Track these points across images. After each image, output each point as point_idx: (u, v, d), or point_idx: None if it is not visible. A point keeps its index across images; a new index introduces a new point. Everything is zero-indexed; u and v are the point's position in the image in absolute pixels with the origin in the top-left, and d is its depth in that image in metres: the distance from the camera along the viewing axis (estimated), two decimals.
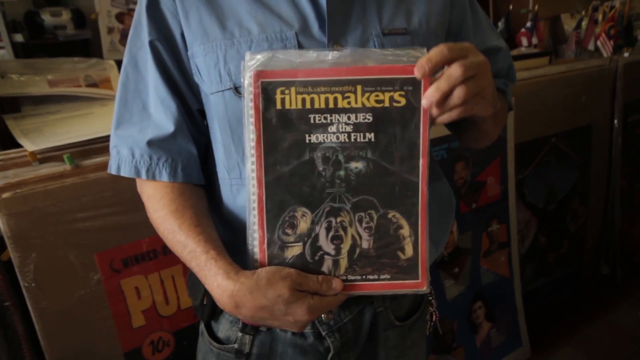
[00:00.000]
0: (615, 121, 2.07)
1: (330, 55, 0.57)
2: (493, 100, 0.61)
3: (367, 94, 0.57)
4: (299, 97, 0.58)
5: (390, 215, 0.62)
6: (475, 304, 1.72)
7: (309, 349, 0.76)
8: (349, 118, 0.59)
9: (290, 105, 0.58)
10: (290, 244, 0.62)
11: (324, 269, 0.63)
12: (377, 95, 0.57)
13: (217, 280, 0.65)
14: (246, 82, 0.57)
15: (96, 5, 2.02)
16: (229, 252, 0.69)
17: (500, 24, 2.13)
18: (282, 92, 0.58)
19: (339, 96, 0.58)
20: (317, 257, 0.63)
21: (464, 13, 0.80)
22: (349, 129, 0.59)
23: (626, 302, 2.04)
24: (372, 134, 0.59)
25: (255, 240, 0.63)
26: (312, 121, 0.59)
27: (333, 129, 0.59)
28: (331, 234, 0.62)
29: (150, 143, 0.70)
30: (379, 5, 0.71)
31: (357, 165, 0.60)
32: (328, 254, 0.62)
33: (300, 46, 0.68)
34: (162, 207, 0.72)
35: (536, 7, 2.00)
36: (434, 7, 0.74)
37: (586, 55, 2.12)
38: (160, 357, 1.16)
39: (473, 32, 0.81)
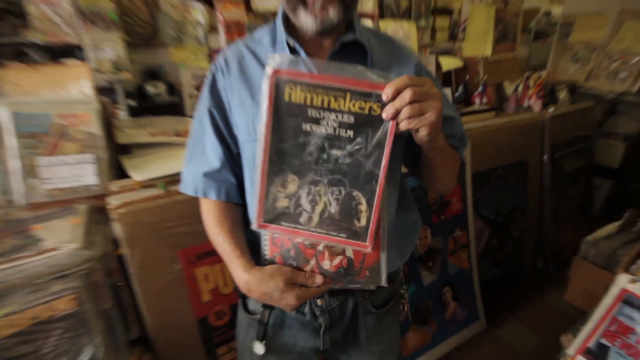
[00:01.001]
0: (545, 157, 2.03)
1: (333, 67, 0.54)
2: (437, 127, 0.55)
3: (353, 101, 0.54)
4: (302, 94, 0.55)
5: (354, 194, 0.60)
6: (444, 289, 1.68)
7: (307, 324, 0.76)
8: (336, 116, 0.56)
9: (295, 99, 0.55)
10: (280, 198, 0.60)
11: (301, 220, 0.61)
12: (360, 103, 0.54)
13: (238, 271, 0.67)
14: (266, 75, 0.54)
15: (182, 80, 2.09)
16: (250, 250, 0.70)
17: (460, 89, 2.13)
18: (290, 88, 0.55)
19: (332, 99, 0.55)
20: (297, 211, 0.61)
21: None
22: (335, 125, 0.56)
23: (556, 288, 1.97)
24: (352, 132, 0.56)
25: (256, 196, 0.60)
26: (309, 114, 0.56)
27: (324, 122, 0.56)
28: (310, 197, 0.60)
29: (205, 174, 0.72)
30: None
31: (337, 153, 0.58)
32: (305, 210, 0.61)
33: None
34: (210, 217, 0.74)
35: (485, 77, 2.01)
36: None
37: (522, 110, 2.10)
38: (221, 323, 1.16)
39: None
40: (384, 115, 0.53)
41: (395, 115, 0.53)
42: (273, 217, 0.62)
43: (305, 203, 0.60)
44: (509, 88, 2.21)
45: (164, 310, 1.05)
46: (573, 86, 2.50)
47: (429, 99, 0.52)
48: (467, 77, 2.11)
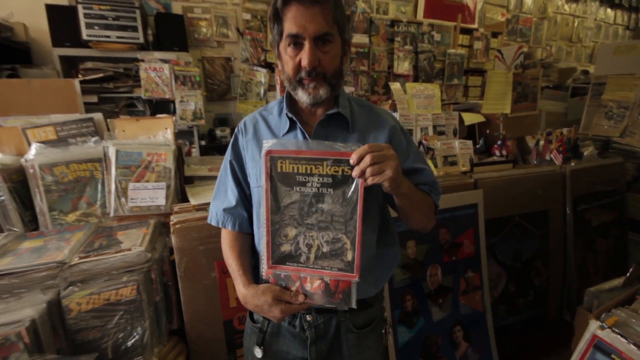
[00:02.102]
0: (567, 209, 1.93)
1: (310, 144, 0.66)
2: (396, 180, 0.64)
3: (329, 167, 0.64)
4: (290, 165, 0.65)
5: (339, 236, 0.67)
6: (455, 327, 1.62)
7: (297, 335, 0.81)
8: (318, 179, 0.65)
9: (285, 169, 0.66)
10: (283, 244, 0.70)
11: (301, 259, 0.70)
12: (335, 168, 0.64)
13: (239, 287, 0.77)
14: (262, 155, 0.67)
15: None
16: (254, 272, 0.80)
17: (481, 141, 2.16)
18: (281, 162, 0.66)
19: (313, 166, 0.64)
20: (297, 253, 0.70)
21: (400, 145, 0.82)
22: (318, 185, 0.65)
23: None
24: (332, 189, 0.65)
25: (263, 244, 0.70)
26: (297, 179, 0.66)
27: (309, 184, 0.66)
28: (306, 241, 0.69)
29: (224, 210, 0.85)
30: (342, 140, 0.78)
31: (322, 206, 0.66)
32: (303, 252, 0.69)
33: None
34: (225, 243, 0.86)
35: (504, 131, 2.02)
36: (380, 139, 0.80)
37: (545, 163, 2.05)
38: (242, 327, 1.17)
39: (405, 157, 0.83)
40: (353, 174, 0.64)
41: (362, 174, 0.63)
42: (279, 260, 0.72)
43: (303, 246, 0.70)
44: (530, 142, 2.17)
45: (198, 309, 1.16)
46: (607, 142, 2.37)
47: (385, 160, 0.63)
48: (488, 131, 2.14)
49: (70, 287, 0.97)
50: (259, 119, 0.86)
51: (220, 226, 0.87)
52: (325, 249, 0.69)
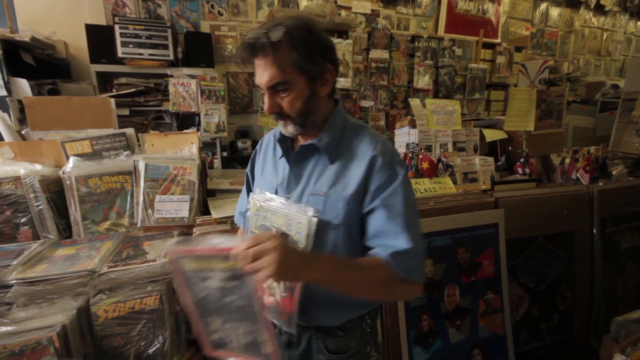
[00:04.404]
0: (595, 230, 1.84)
1: (203, 242, 0.65)
2: (287, 273, 0.60)
3: (223, 262, 0.63)
4: (191, 263, 0.66)
5: (254, 327, 0.68)
6: (474, 350, 1.57)
7: (278, 336, 0.84)
8: (219, 274, 0.64)
9: (190, 267, 0.67)
10: (213, 332, 0.73)
11: (233, 346, 0.72)
12: (227, 263, 0.62)
13: None
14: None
15: None
16: None
17: (503, 159, 2.12)
18: (184, 261, 0.67)
19: (210, 262, 0.64)
20: (227, 340, 0.72)
21: (377, 181, 0.72)
22: (222, 279, 0.65)
23: None
24: (235, 282, 0.64)
25: (197, 333, 0.75)
26: (202, 275, 0.66)
27: (214, 279, 0.65)
28: (229, 331, 0.72)
29: (240, 212, 0.98)
30: (317, 177, 0.77)
31: (230, 298, 0.66)
32: (231, 340, 0.72)
33: (276, 192, 0.79)
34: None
35: (527, 149, 1.97)
36: (357, 171, 0.73)
37: (571, 183, 1.97)
38: None
39: (379, 199, 0.71)
40: (242, 270, 0.61)
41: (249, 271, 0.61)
42: (215, 346, 0.74)
43: (227, 336, 0.72)
44: (555, 160, 2.11)
45: None
46: (638, 161, 2.27)
47: (265, 255, 0.58)
48: (510, 148, 2.09)
49: (99, 295, 1.02)
50: (272, 138, 0.91)
51: (238, 225, 1.01)
52: (243, 339, 0.70)
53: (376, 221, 0.70)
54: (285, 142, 0.83)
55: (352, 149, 0.76)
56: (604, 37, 4.85)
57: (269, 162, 0.87)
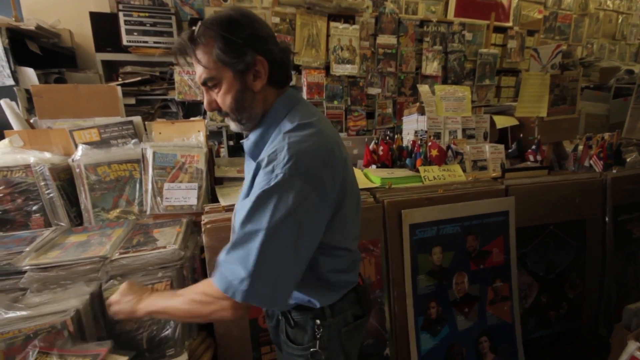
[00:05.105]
0: (607, 218, 1.81)
1: None
2: (122, 313, 0.80)
3: None
4: None
5: None
6: (481, 338, 1.58)
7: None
8: None
9: None
10: None
11: None
12: None
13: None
14: None
15: None
16: None
17: (514, 146, 2.07)
18: None
19: None
20: None
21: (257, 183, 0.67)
22: None
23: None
24: None
25: None
26: None
27: None
28: None
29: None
30: (248, 180, 0.75)
31: None
32: None
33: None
34: None
35: (539, 136, 1.93)
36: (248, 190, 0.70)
37: (583, 170, 1.93)
38: (267, 326, 1.26)
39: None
40: None
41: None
42: None
43: None
44: (568, 147, 2.06)
45: None
46: None
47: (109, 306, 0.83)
48: (521, 134, 2.05)
49: (111, 281, 1.03)
50: None
51: None
52: None
53: None
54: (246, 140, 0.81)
55: (266, 150, 0.70)
56: (619, 20, 4.68)
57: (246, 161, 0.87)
